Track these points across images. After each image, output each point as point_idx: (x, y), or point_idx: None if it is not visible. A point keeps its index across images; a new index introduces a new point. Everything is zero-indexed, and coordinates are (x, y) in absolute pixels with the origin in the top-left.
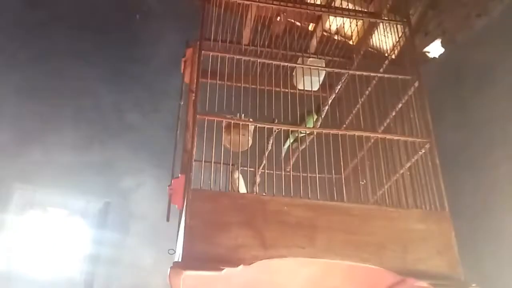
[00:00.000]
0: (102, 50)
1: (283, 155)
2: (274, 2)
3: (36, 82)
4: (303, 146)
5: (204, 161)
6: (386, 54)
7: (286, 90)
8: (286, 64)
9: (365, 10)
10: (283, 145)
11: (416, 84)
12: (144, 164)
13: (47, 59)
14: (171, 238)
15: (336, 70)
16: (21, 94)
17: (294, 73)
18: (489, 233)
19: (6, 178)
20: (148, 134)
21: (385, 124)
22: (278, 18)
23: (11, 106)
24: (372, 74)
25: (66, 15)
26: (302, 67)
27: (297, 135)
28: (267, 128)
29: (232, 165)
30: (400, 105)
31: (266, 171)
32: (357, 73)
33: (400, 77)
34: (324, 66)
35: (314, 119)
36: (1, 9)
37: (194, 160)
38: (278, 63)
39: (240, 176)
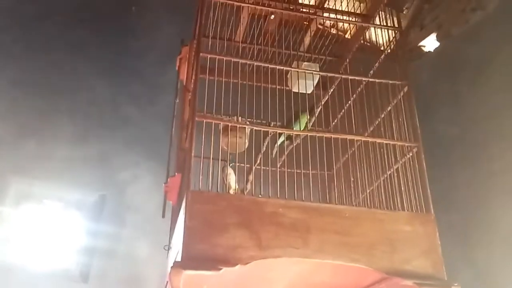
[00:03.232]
0: (97, 43)
1: (274, 152)
2: (265, 2)
3: (31, 75)
4: (296, 143)
5: (203, 159)
6: (382, 48)
7: (281, 87)
8: (281, 67)
9: (358, 12)
10: (276, 143)
11: (406, 89)
12: (140, 158)
13: (42, 53)
14: (166, 231)
15: (330, 75)
16: (16, 88)
17: (289, 76)
18: (482, 227)
19: (2, 171)
20: (144, 128)
21: (374, 126)
22: (272, 16)
23: (6, 99)
24: (363, 79)
25: (61, 8)
26: (297, 71)
27: (289, 134)
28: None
29: (224, 160)
30: (389, 109)
31: (261, 167)
32: (350, 77)
33: (390, 82)
34: (318, 70)
35: (307, 119)
36: None
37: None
38: (273, 66)
39: (232, 171)
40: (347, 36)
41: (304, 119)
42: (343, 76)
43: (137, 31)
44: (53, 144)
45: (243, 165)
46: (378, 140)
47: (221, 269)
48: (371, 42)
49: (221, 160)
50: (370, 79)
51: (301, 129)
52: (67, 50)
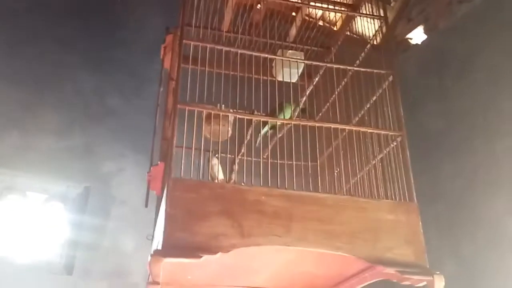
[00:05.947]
0: (83, 34)
1: (258, 141)
2: None
3: (15, 67)
4: (280, 134)
5: (185, 148)
6: (368, 40)
7: (266, 78)
8: (266, 56)
9: (344, 2)
10: (260, 132)
11: (390, 78)
12: (125, 149)
13: (27, 44)
14: (151, 223)
15: (315, 63)
16: (0, 79)
17: (273, 64)
18: (467, 219)
19: None
20: (129, 119)
21: (359, 116)
22: (258, 6)
23: None
24: (348, 67)
25: (47, 0)
26: (282, 59)
27: (274, 123)
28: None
29: (210, 151)
30: (374, 98)
31: (244, 158)
32: (335, 66)
33: (375, 71)
34: (303, 58)
35: (292, 109)
36: None
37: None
38: (258, 54)
39: (217, 162)
40: (334, 28)
41: (288, 110)
42: (328, 65)
43: (123, 23)
44: (37, 135)
45: (228, 155)
46: (363, 129)
47: (201, 256)
48: (358, 34)
49: (204, 150)
50: (355, 68)
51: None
52: (52, 42)
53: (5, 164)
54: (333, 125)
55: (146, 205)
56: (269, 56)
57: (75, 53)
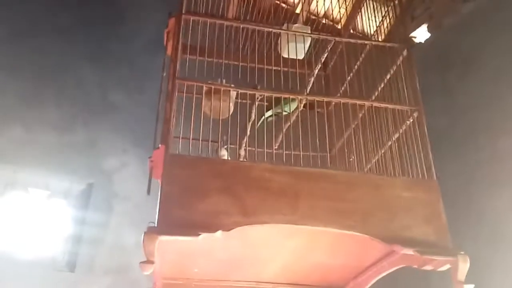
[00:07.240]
0: (85, 27)
1: (259, 123)
2: None
3: (17, 59)
4: (288, 124)
5: (182, 136)
6: (372, 34)
7: (270, 68)
8: (270, 29)
9: None
10: (263, 116)
11: (405, 52)
12: (128, 145)
13: (28, 36)
14: (155, 219)
15: (323, 36)
16: (1, 72)
17: (279, 41)
18: (470, 217)
19: None
20: (132, 114)
21: (373, 97)
22: None
23: None
24: (359, 41)
25: None
26: (287, 33)
27: (278, 111)
28: (249, 96)
29: (216, 142)
30: (388, 76)
31: (248, 148)
32: (344, 40)
33: (388, 44)
34: (309, 32)
35: (298, 99)
36: None
37: (175, 137)
38: (261, 28)
39: (226, 153)
40: (338, 26)
41: (295, 101)
42: (337, 39)
43: (126, 16)
44: (39, 129)
45: (230, 145)
46: (376, 104)
47: (200, 234)
48: (363, 33)
49: (205, 140)
50: (367, 42)
51: (291, 109)
52: (53, 34)
53: (7, 159)
54: (344, 100)
55: (148, 193)
56: (274, 30)
57: (76, 45)
